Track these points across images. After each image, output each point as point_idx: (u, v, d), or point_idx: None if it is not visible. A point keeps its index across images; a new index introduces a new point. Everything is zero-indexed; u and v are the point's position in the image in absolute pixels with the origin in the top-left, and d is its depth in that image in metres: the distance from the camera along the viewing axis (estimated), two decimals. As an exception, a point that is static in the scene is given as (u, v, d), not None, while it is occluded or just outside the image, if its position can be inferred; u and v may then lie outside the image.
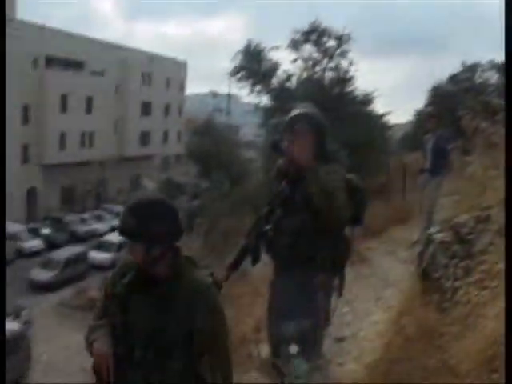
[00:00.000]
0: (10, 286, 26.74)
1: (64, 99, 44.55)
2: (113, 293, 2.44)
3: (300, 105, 4.25)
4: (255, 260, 3.72)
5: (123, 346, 2.34)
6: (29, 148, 42.84)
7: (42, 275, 28.28)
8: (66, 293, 25.32)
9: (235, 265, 3.71)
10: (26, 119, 42.38)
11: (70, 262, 29.07)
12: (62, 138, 44.93)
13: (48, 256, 30.80)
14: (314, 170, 3.39)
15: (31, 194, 43.17)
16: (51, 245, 34.88)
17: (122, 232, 2.37)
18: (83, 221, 40.69)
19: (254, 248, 3.67)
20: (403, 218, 10.58)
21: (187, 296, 2.32)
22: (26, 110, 42.23)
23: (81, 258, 30.42)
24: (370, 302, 6.18)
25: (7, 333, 19.01)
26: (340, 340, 5.14)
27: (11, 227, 35.96)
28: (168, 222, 2.36)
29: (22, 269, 30.04)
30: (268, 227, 3.62)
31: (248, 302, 6.30)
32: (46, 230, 37.52)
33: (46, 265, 29.27)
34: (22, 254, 33.64)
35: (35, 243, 35.05)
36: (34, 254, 33.72)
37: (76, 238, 37.04)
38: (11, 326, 20.15)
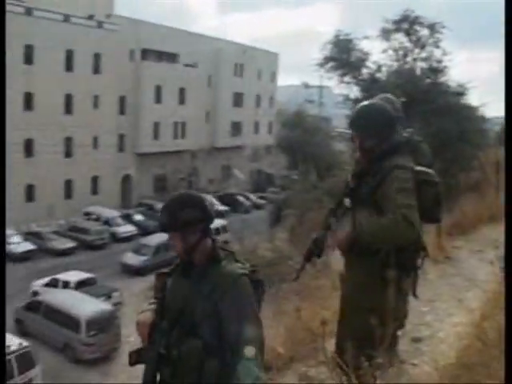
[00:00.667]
0: (103, 268, 28.21)
1: (158, 90, 46.01)
2: (160, 273, 2.90)
3: (378, 96, 4.13)
4: (319, 253, 3.69)
5: (159, 318, 2.72)
6: (124, 137, 44.67)
7: (134, 260, 29.37)
8: (156, 278, 26.10)
9: (308, 257, 3.72)
10: (122, 110, 44.18)
11: (160, 248, 29.90)
12: (156, 127, 46.45)
13: (140, 241, 31.93)
14: (375, 166, 3.36)
15: (126, 181, 45.05)
16: (143, 231, 36.24)
17: (161, 227, 2.79)
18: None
19: (319, 240, 3.66)
20: (495, 217, 10.03)
21: (216, 282, 2.58)
22: (122, 101, 44.02)
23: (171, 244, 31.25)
24: (452, 303, 5.92)
25: (99, 312, 20.07)
26: (417, 340, 4.97)
27: (107, 213, 37.75)
28: (195, 211, 2.68)
29: (115, 253, 31.40)
30: (333, 220, 3.59)
31: (325, 295, 6.20)
32: (138, 217, 39.00)
33: (137, 250, 30.37)
34: (116, 239, 35.21)
35: (128, 228, 36.56)
36: (127, 239, 35.15)
37: (167, 225, 38.09)
38: (104, 306, 21.19)
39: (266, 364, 3.85)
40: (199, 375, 2.52)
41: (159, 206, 40.99)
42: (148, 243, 30.72)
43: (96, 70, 41.21)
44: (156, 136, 46.66)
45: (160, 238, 32.07)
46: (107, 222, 36.42)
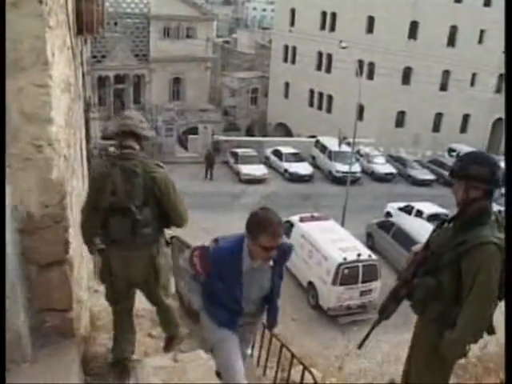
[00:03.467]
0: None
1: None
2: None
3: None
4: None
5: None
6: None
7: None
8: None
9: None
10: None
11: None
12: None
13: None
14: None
15: (497, 124, 42.48)
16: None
17: (449, 173, 3.19)
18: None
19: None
20: None
21: (464, 241, 3.05)
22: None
23: None
24: None
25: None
26: None
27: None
28: (483, 170, 2.96)
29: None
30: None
31: None
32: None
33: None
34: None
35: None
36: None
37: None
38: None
39: None
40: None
41: None
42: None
43: (487, 2, 38.81)
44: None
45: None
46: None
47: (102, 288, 8.22)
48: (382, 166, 32.84)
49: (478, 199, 3.03)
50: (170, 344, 4.58)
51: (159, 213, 3.84)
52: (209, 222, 22.26)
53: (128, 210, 3.69)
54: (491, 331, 3.11)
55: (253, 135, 43.40)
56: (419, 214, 23.88)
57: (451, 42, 39.01)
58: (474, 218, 3.03)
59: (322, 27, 41.67)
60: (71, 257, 3.62)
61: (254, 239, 3.07)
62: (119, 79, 40.77)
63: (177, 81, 44.25)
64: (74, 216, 4.31)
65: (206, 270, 3.29)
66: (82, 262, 5.55)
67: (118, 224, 3.73)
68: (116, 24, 40.14)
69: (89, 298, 6.30)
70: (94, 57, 38.55)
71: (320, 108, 42.87)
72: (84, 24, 6.22)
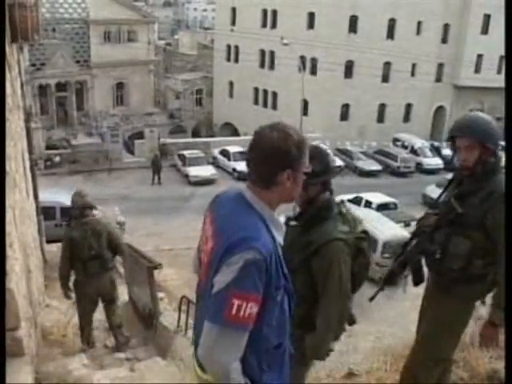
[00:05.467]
0: (404, 196, 28.11)
1: (487, 20, 42.50)
2: None
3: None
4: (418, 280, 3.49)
5: None
6: (444, 67, 42.81)
7: (436, 193, 28.59)
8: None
9: (390, 280, 3.55)
10: (444, 39, 42.26)
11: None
12: (479, 60, 43.29)
13: (445, 176, 30.94)
14: (483, 184, 3.15)
15: (439, 112, 43.58)
16: (450, 166, 34.98)
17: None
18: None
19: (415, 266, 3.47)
20: None
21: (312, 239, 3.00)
22: (446, 28, 42.01)
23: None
24: None
25: (396, 237, 20.02)
26: None
27: (416, 142, 37.33)
28: (315, 163, 2.55)
29: (418, 183, 31.05)
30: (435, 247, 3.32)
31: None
32: (447, 151, 37.56)
33: (441, 185, 29.39)
34: (421, 169, 34.77)
35: (436, 161, 35.55)
36: (433, 171, 34.33)
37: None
38: (401, 232, 21.06)
39: None
40: None
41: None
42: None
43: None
44: (477, 69, 43.59)
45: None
46: (415, 151, 36.06)
47: (53, 302, 8.04)
48: (330, 161, 33.09)
49: (317, 195, 2.97)
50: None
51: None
52: (159, 226, 22.05)
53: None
54: (352, 322, 3.17)
55: (199, 136, 43.20)
56: (368, 204, 24.27)
57: (390, 34, 39.75)
58: (315, 214, 2.97)
59: (264, 25, 41.80)
60: (16, 273, 3.51)
61: (301, 165, 2.10)
62: (61, 87, 39.80)
63: (120, 85, 43.55)
64: (19, 230, 4.17)
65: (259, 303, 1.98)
66: (31, 277, 5.39)
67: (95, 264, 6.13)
68: (54, 30, 39.15)
69: (39, 313, 6.13)
70: (33, 65, 37.54)
71: (265, 105, 43.01)
72: (19, 31, 6.05)
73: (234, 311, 1.88)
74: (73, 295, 6.17)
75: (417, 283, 3.47)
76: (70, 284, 6.12)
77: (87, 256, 5.95)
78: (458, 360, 4.07)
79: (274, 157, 2.03)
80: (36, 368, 4.08)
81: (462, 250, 3.16)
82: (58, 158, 32.53)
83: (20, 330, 3.54)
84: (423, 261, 3.44)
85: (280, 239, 2.14)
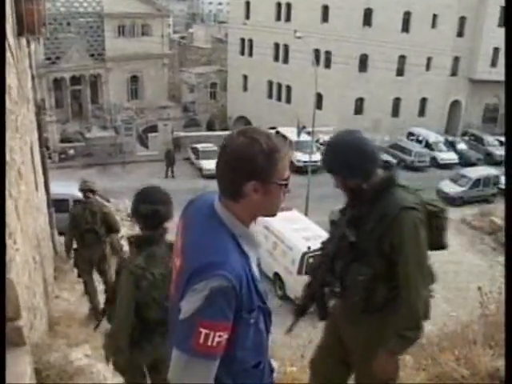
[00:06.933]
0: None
1: (503, 12, 41.87)
2: None
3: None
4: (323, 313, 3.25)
5: None
6: (460, 60, 42.37)
7: (451, 188, 28.44)
8: (470, 211, 24.85)
9: (300, 312, 3.29)
10: (460, 32, 41.80)
11: (479, 182, 28.57)
12: (495, 53, 42.79)
13: (460, 171, 30.73)
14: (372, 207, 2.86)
15: (454, 106, 43.18)
16: (465, 161, 34.78)
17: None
18: (502, 144, 38.82)
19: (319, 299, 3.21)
20: None
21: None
22: (461, 22, 41.54)
23: (492, 180, 29.31)
24: None
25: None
26: None
27: (431, 136, 37.05)
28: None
29: (432, 178, 30.77)
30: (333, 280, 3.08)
31: None
32: (462, 145, 37.29)
33: (456, 179, 29.33)
34: (435, 164, 34.52)
35: (450, 156, 35.30)
36: (447, 166, 34.10)
37: (491, 160, 35.61)
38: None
39: None
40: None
41: (486, 137, 38.80)
42: (468, 174, 29.43)
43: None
44: (494, 63, 43.07)
45: (481, 171, 30.59)
46: (429, 146, 35.79)
47: (63, 294, 8.12)
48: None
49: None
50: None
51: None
52: (173, 220, 22.11)
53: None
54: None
55: (213, 130, 43.23)
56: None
57: (405, 27, 39.44)
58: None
59: (278, 18, 41.67)
60: (17, 263, 3.54)
61: (271, 176, 1.84)
62: (75, 80, 40.04)
63: (134, 79, 43.71)
64: (22, 221, 4.20)
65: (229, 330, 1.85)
66: (36, 268, 5.44)
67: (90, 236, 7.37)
68: (69, 24, 39.38)
69: (47, 303, 6.19)
70: (49, 58, 37.79)
71: (279, 99, 42.91)
72: (25, 25, 6.09)
73: (201, 340, 1.75)
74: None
75: (322, 318, 3.24)
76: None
77: (83, 229, 7.24)
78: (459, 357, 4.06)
79: (237, 165, 1.81)
80: (37, 358, 4.12)
81: (362, 279, 2.87)
82: (72, 151, 32.77)
83: (21, 319, 3.57)
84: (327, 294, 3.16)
85: (255, 255, 1.97)
